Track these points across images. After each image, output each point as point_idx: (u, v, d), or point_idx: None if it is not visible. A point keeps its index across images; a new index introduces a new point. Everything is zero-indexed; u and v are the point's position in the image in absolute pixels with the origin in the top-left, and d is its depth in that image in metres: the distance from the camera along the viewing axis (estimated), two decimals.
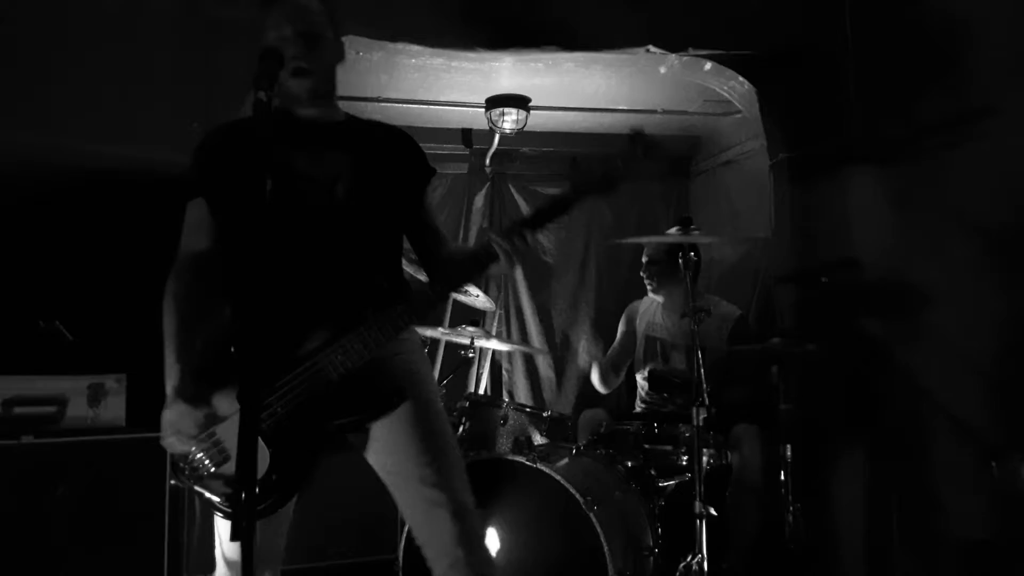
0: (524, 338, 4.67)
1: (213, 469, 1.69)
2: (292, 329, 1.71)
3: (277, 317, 1.67)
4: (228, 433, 1.68)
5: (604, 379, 3.68)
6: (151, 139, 2.75)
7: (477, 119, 4.14)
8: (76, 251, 2.86)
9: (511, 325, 4.69)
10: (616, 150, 1.72)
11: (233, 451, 1.67)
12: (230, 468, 1.67)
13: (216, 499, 1.68)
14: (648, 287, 3.59)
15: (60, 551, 2.37)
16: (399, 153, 1.95)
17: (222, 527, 1.77)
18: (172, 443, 1.70)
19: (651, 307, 3.66)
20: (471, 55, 3.30)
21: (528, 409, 3.31)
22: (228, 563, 1.77)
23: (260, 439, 1.60)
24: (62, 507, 2.38)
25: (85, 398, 2.57)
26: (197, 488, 1.71)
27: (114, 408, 2.60)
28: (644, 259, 3.58)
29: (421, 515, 1.74)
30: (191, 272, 1.82)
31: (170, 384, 1.71)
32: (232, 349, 1.73)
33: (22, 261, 2.83)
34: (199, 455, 1.70)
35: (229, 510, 1.68)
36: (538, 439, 3.07)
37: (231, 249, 1.80)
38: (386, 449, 1.77)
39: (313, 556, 3.02)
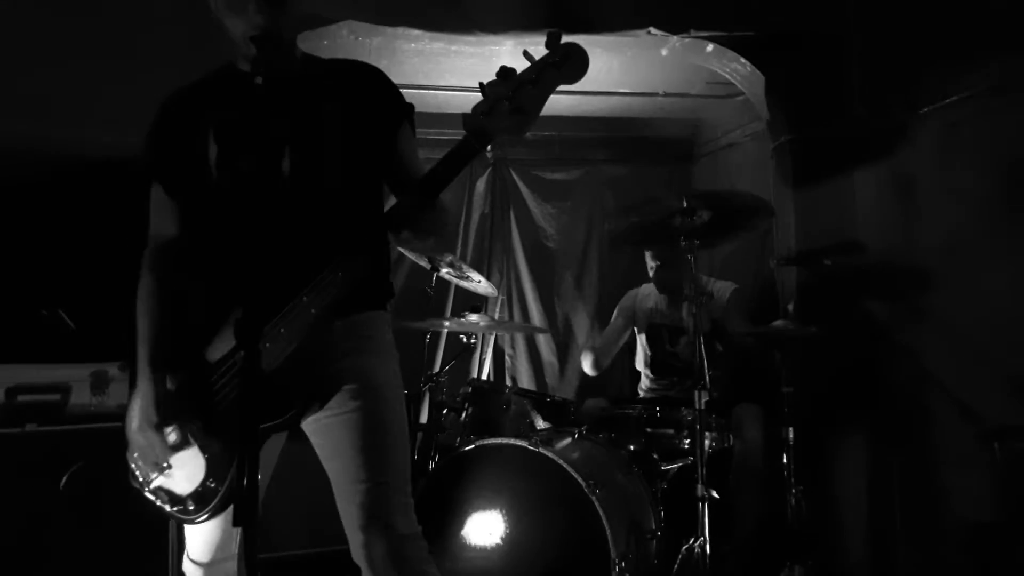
0: (527, 323, 4.66)
1: (156, 477, 1.67)
2: (217, 321, 1.63)
3: (220, 302, 1.63)
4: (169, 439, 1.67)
5: (596, 365, 3.67)
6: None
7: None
8: (77, 239, 2.86)
9: (513, 310, 4.69)
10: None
11: (174, 459, 1.66)
12: (173, 478, 1.66)
13: (165, 508, 1.67)
14: (652, 268, 3.55)
15: (65, 538, 2.38)
16: (363, 91, 1.73)
17: (189, 528, 1.75)
18: (135, 461, 1.69)
19: (652, 294, 3.65)
20: (471, 39, 3.28)
21: (531, 394, 3.32)
22: (195, 563, 1.75)
23: (195, 447, 1.62)
24: (67, 495, 2.39)
25: (88, 386, 2.57)
26: (147, 495, 1.70)
27: (117, 395, 2.60)
28: (654, 263, 3.52)
29: (351, 529, 1.64)
30: (161, 262, 1.75)
31: (141, 402, 1.64)
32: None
33: (23, 250, 2.83)
34: (140, 460, 1.69)
35: (181, 517, 1.66)
36: (541, 424, 3.07)
37: (194, 229, 1.74)
38: (326, 453, 1.70)
39: (314, 541, 3.04)
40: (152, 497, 1.70)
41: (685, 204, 2.68)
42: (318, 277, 1.53)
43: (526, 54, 1.42)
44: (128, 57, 2.83)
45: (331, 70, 1.77)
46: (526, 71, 1.41)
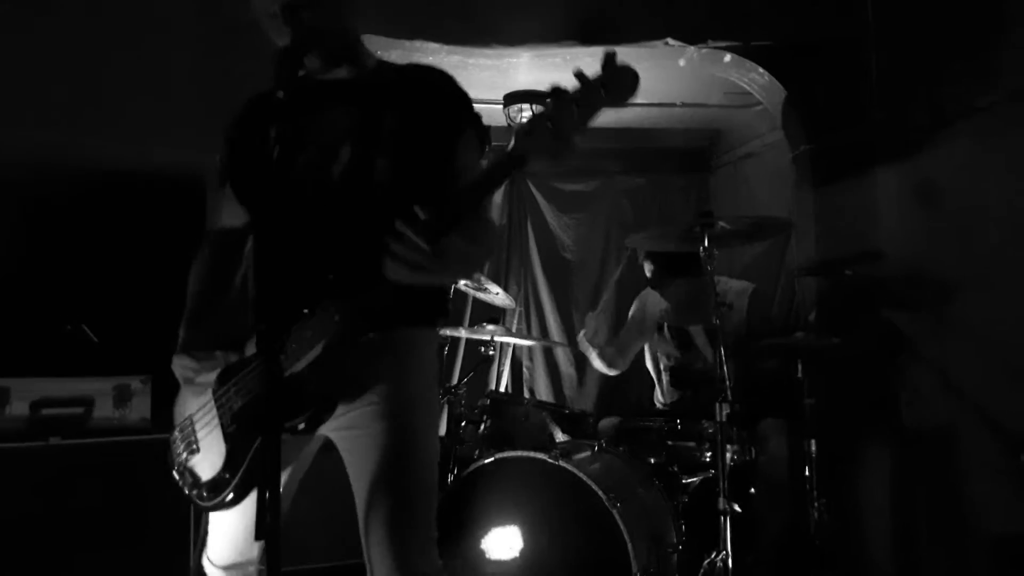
0: (544, 334, 4.66)
1: (187, 457, 1.68)
2: (268, 310, 1.57)
3: (260, 297, 1.63)
4: (202, 423, 1.68)
5: (611, 363, 3.62)
6: (176, 141, 2.77)
7: (495, 116, 4.13)
8: (101, 253, 2.89)
9: (531, 322, 4.69)
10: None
11: (203, 442, 1.66)
12: (199, 462, 1.66)
13: (185, 490, 1.68)
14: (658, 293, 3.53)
15: (87, 552, 2.40)
16: (425, 97, 1.69)
17: (212, 528, 1.74)
18: (185, 404, 1.72)
19: (660, 299, 3.63)
20: (488, 52, 3.30)
21: (550, 406, 3.31)
22: (215, 566, 1.74)
23: (220, 433, 1.62)
24: (89, 507, 2.41)
25: (111, 399, 2.59)
26: (174, 474, 1.71)
27: (140, 409, 2.63)
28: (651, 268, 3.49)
29: (369, 564, 1.60)
30: (216, 246, 1.84)
31: (181, 336, 1.73)
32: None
33: (48, 264, 2.86)
34: (178, 440, 1.70)
35: (197, 503, 1.65)
36: (560, 436, 3.06)
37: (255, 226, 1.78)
38: (351, 472, 1.66)
39: (341, 554, 3.03)
40: (177, 477, 1.70)
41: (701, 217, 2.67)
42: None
43: (577, 73, 1.37)
44: (155, 73, 2.87)
45: (398, 76, 1.75)
46: (573, 92, 1.37)
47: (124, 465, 2.48)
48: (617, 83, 1.37)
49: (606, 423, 3.38)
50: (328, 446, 1.73)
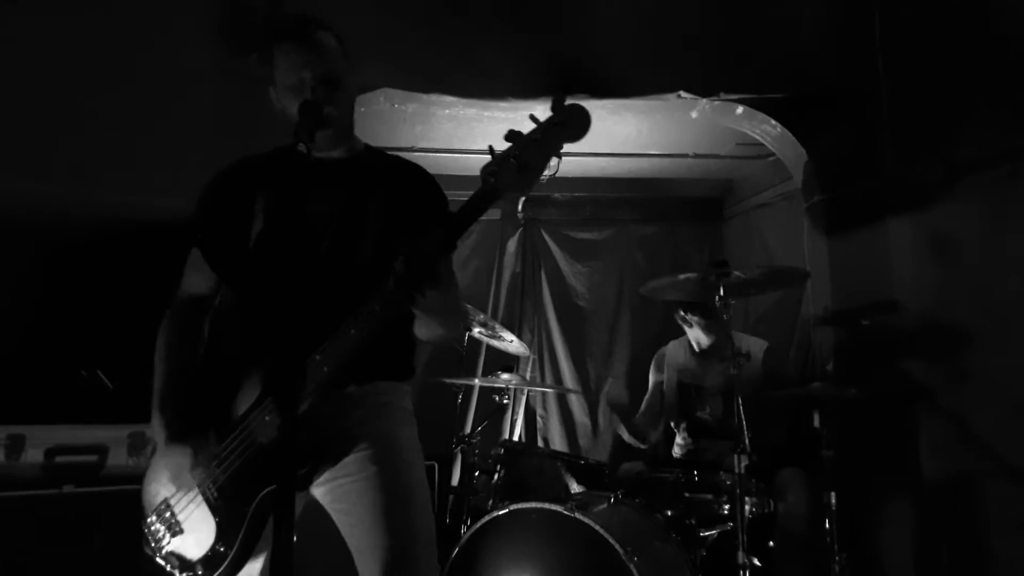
0: (558, 383, 4.64)
1: (171, 540, 1.68)
2: (238, 385, 1.66)
3: (231, 370, 1.67)
4: (181, 504, 1.68)
5: (643, 436, 3.62)
6: (190, 191, 2.81)
7: None
8: (116, 301, 2.91)
9: (545, 370, 4.67)
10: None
11: (186, 523, 1.67)
12: (185, 543, 1.66)
13: (175, 574, 1.67)
14: (700, 327, 3.48)
15: None
16: (410, 190, 1.82)
17: None
18: (157, 490, 1.71)
19: (680, 352, 3.61)
20: (503, 104, 3.36)
21: (564, 456, 3.27)
22: None
23: (206, 508, 1.63)
24: (102, 556, 2.39)
25: (125, 447, 2.59)
26: (159, 560, 1.70)
27: None
28: (700, 320, 3.42)
29: None
30: (184, 314, 1.82)
31: (159, 433, 1.71)
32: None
33: (63, 311, 2.88)
34: (157, 526, 1.70)
35: None
36: (575, 487, 3.02)
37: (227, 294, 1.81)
38: (348, 520, 1.68)
39: None
40: (163, 563, 1.69)
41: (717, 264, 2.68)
42: (343, 324, 1.55)
43: (532, 117, 1.48)
44: (171, 124, 2.93)
45: (387, 163, 1.87)
46: (532, 132, 1.46)
47: (138, 513, 2.45)
48: (573, 121, 1.46)
49: (628, 466, 3.33)
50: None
